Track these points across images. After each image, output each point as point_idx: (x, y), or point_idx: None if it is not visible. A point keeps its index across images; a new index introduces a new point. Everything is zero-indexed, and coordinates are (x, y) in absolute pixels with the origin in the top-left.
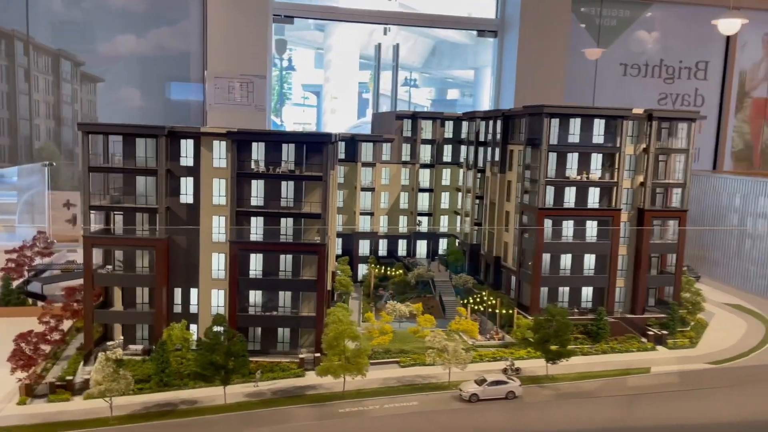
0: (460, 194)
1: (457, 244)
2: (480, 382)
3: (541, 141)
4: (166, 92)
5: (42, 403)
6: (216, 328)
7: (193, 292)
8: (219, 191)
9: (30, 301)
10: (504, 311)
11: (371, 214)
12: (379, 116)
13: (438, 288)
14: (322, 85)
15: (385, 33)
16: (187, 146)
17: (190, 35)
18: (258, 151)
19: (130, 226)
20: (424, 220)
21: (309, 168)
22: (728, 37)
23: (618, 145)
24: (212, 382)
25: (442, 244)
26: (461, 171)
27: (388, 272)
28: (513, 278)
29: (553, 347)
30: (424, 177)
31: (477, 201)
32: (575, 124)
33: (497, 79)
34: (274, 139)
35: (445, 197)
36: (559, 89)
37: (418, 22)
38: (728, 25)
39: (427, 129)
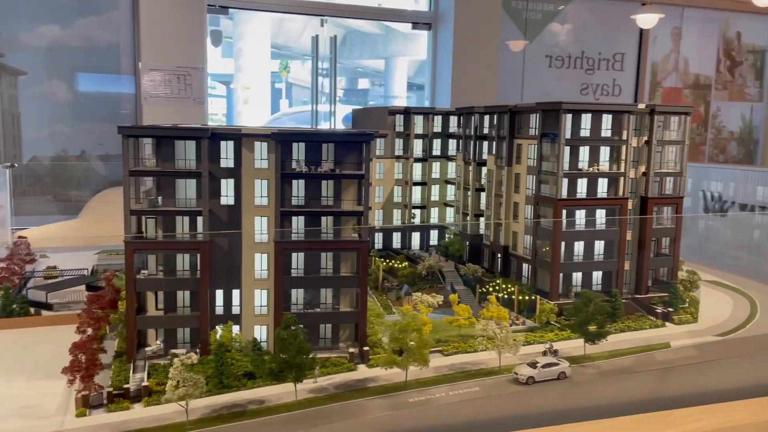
0: (449, 187)
1: (453, 235)
2: (533, 364)
3: (557, 135)
4: (94, 85)
5: (102, 414)
6: (287, 329)
7: (235, 293)
8: (261, 192)
9: (32, 310)
10: (524, 297)
11: (368, 208)
12: (364, 112)
13: (447, 278)
14: (233, 74)
15: (321, 24)
16: (227, 148)
17: (120, 25)
18: (299, 151)
19: (170, 231)
20: (417, 212)
21: (346, 166)
22: (641, 31)
23: (625, 138)
24: (285, 381)
25: (434, 236)
26: (450, 164)
27: (394, 265)
28: (525, 266)
29: (592, 328)
30: (417, 171)
31: (475, 193)
32: (586, 120)
33: (433, 70)
34: (316, 139)
35: (435, 190)
36: (493, 81)
37: (353, 13)
38: (646, 20)
39: (419, 124)
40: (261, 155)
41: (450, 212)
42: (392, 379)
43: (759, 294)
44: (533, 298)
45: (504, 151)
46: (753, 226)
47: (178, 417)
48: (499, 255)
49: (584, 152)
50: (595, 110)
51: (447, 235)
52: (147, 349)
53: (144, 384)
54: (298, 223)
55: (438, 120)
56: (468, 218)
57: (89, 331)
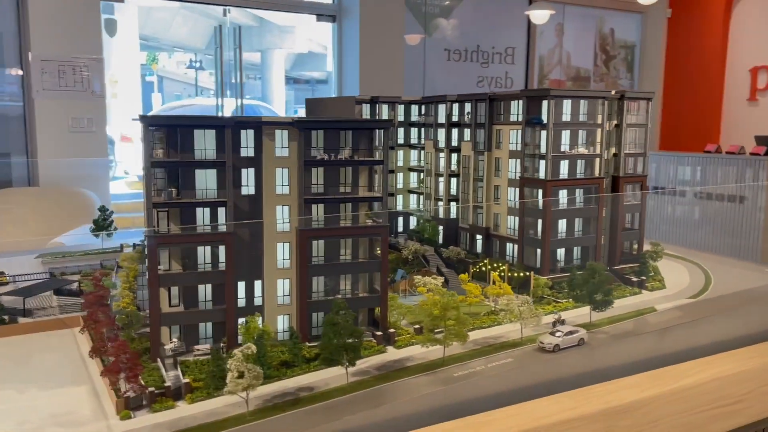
0: (412, 174)
1: (424, 221)
2: (555, 333)
3: (540, 120)
4: None
5: (148, 414)
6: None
7: (257, 283)
8: (282, 180)
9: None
10: (516, 274)
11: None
12: (320, 102)
13: (431, 262)
14: None
15: (224, 14)
16: (248, 136)
17: (2, 14)
18: (317, 138)
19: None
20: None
21: (364, 153)
22: (529, 26)
23: (600, 122)
24: (339, 365)
25: (400, 222)
26: (412, 152)
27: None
28: (509, 245)
29: (598, 297)
30: None
31: (448, 179)
32: (567, 105)
33: (339, 63)
34: (336, 126)
35: (399, 177)
36: (400, 73)
37: (256, 4)
38: (539, 16)
39: (383, 113)
40: (282, 143)
41: (413, 199)
42: (427, 357)
43: (706, 262)
44: (527, 274)
45: (483, 137)
46: (690, 204)
47: (232, 410)
48: (478, 237)
49: (565, 136)
50: (575, 96)
51: (419, 221)
52: (167, 347)
53: (185, 381)
54: (317, 210)
55: (400, 109)
56: (441, 203)
57: (109, 334)
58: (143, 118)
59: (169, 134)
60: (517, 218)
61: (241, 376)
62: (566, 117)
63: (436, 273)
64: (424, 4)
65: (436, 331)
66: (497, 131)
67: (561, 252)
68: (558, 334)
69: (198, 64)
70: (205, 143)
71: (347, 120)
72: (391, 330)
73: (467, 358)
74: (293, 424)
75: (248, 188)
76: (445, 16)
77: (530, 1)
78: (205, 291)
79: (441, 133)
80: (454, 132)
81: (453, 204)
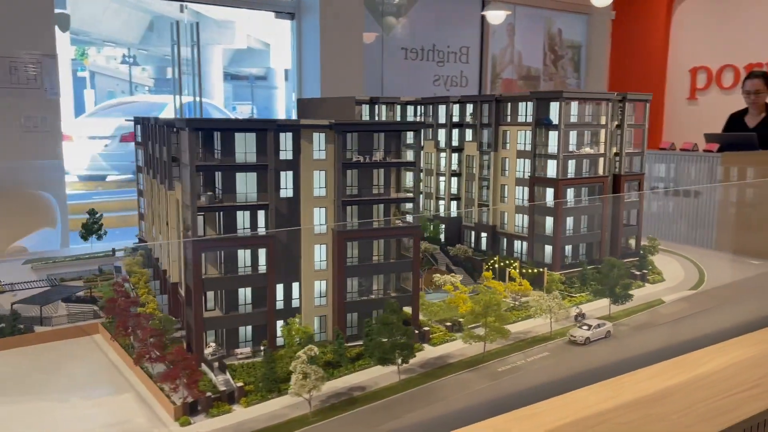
0: (409, 174)
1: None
2: (585, 326)
3: (559, 122)
4: None
5: (206, 419)
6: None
7: (294, 285)
8: (319, 183)
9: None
10: (529, 270)
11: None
12: (315, 102)
13: (439, 260)
14: None
15: (182, 10)
16: (286, 139)
17: None
18: (352, 140)
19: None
20: None
21: (396, 154)
22: (482, 26)
23: (603, 122)
24: (392, 364)
25: None
26: (409, 152)
27: None
28: (517, 242)
29: (619, 290)
30: None
31: (450, 178)
32: (575, 107)
33: (298, 61)
34: (370, 129)
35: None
36: (360, 72)
37: (213, 0)
38: (495, 16)
39: (383, 114)
40: (319, 146)
41: (421, 198)
42: (464, 353)
43: (696, 256)
44: (540, 270)
45: (489, 138)
46: (664, 200)
47: (291, 412)
48: (483, 235)
49: (573, 136)
50: (581, 98)
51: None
52: (206, 351)
53: (238, 385)
54: (352, 212)
55: (397, 109)
56: (442, 203)
57: (152, 339)
58: (189, 121)
59: (205, 138)
60: (525, 216)
61: (305, 377)
62: (573, 118)
63: (446, 270)
64: (381, 3)
65: (475, 327)
66: (503, 131)
67: (568, 248)
68: (585, 327)
69: (132, 60)
70: (245, 146)
71: (381, 122)
72: (426, 328)
73: (504, 354)
74: (357, 423)
75: (286, 191)
76: (401, 15)
77: (483, 2)
78: (245, 294)
79: (441, 134)
80: (454, 132)
81: (454, 203)
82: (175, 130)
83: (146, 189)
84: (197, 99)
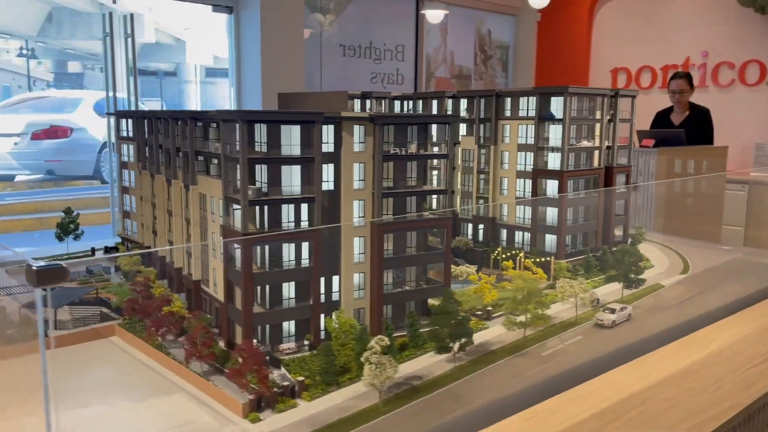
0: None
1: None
2: (609, 310)
3: (564, 116)
4: None
5: (275, 415)
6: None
7: (335, 279)
8: (359, 175)
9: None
10: (535, 260)
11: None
12: (300, 96)
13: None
14: None
15: (114, 2)
16: (328, 132)
17: None
18: (389, 133)
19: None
20: None
21: (426, 147)
22: (417, 24)
23: (599, 117)
24: (449, 352)
25: None
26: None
27: None
28: (518, 233)
29: (632, 276)
30: None
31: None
32: (574, 101)
33: (237, 56)
34: (408, 122)
35: None
36: (301, 67)
37: None
38: (434, 15)
39: (374, 108)
40: (359, 138)
41: None
42: (504, 340)
43: (674, 245)
44: (547, 259)
45: (485, 132)
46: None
47: (358, 403)
48: (481, 226)
49: (572, 130)
50: (581, 93)
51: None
52: (282, 346)
53: (299, 379)
54: (387, 204)
55: (386, 104)
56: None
57: (201, 339)
58: (242, 113)
59: (248, 130)
60: (526, 207)
61: (378, 367)
62: (574, 112)
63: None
64: None
65: (516, 313)
66: (502, 126)
67: (568, 238)
68: (609, 311)
69: (29, 53)
70: (291, 139)
71: (418, 115)
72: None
73: (541, 339)
74: (427, 410)
75: (328, 183)
76: (339, 12)
77: (417, 1)
78: (288, 289)
79: (433, 128)
80: (460, 127)
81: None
82: (214, 124)
83: (137, 186)
84: (134, 97)
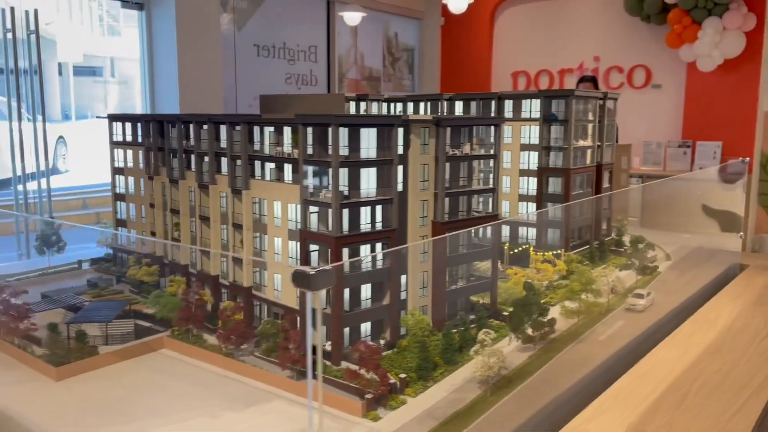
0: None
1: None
2: (639, 296)
3: (569, 117)
4: None
5: (390, 412)
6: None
7: (403, 278)
8: (424, 176)
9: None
10: (544, 254)
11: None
12: (288, 98)
13: None
14: None
15: None
16: (398, 134)
17: None
18: (446, 135)
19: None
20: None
21: (475, 147)
22: (329, 26)
23: (592, 118)
24: (532, 342)
25: None
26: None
27: None
28: (521, 229)
29: (646, 263)
30: None
31: None
32: (575, 103)
33: (149, 55)
34: (467, 124)
35: None
36: (218, 68)
37: None
38: (352, 17)
39: (371, 110)
40: (424, 140)
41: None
42: (559, 327)
43: (652, 236)
44: (558, 252)
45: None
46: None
47: (466, 395)
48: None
49: (573, 130)
50: (579, 96)
51: None
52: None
53: (402, 376)
54: (446, 203)
55: (383, 106)
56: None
57: (293, 346)
58: (335, 117)
59: (321, 133)
60: (529, 204)
61: (490, 360)
62: (575, 114)
63: None
64: None
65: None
66: (503, 127)
67: (571, 230)
68: (638, 296)
69: None
70: (368, 142)
71: (474, 117)
72: (510, 309)
73: (591, 325)
74: (526, 397)
75: (399, 185)
76: (252, 11)
77: (328, 2)
78: (366, 290)
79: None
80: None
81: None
82: (271, 127)
83: (146, 193)
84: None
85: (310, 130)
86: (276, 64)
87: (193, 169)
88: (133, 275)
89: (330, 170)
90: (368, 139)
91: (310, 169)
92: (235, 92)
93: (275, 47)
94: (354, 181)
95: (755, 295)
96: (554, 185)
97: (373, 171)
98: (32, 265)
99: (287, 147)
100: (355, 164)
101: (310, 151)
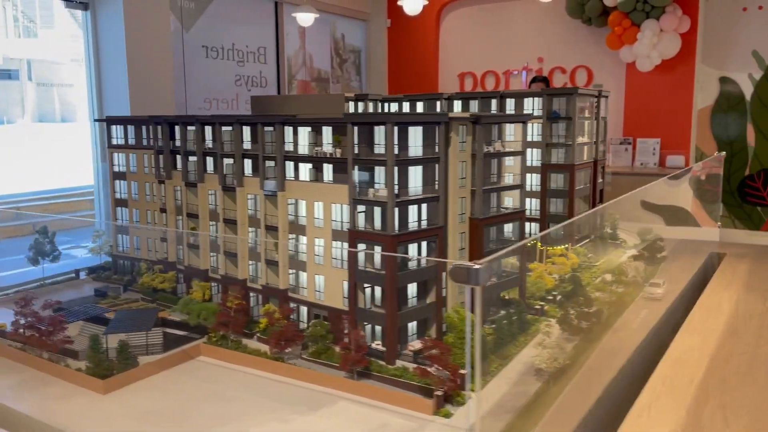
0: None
1: None
2: (656, 284)
3: (572, 115)
4: None
5: (460, 408)
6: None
7: (443, 275)
8: (461, 173)
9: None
10: (550, 248)
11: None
12: (283, 99)
13: None
14: None
15: None
16: (442, 132)
17: None
18: (482, 132)
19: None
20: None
21: (506, 145)
22: (277, 27)
23: (589, 115)
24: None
25: None
26: None
27: None
28: (527, 224)
29: (656, 253)
30: None
31: None
32: (576, 100)
33: (95, 54)
34: (501, 121)
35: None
36: (169, 69)
37: None
38: (304, 18)
39: (369, 109)
40: (462, 138)
41: None
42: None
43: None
44: (566, 247)
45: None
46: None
47: (526, 388)
48: None
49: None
50: (582, 94)
51: None
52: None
53: (462, 372)
54: (475, 200)
55: (381, 105)
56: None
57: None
58: (387, 116)
59: (368, 131)
60: (533, 199)
61: (554, 351)
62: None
63: None
64: None
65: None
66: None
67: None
68: (656, 285)
69: None
70: (416, 140)
71: (508, 115)
72: (543, 302)
73: (620, 313)
74: (582, 384)
75: (439, 182)
76: (200, 12)
77: (276, 3)
78: (411, 288)
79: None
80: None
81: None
82: (308, 126)
83: (142, 197)
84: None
85: (356, 129)
86: (225, 66)
87: (210, 171)
88: (147, 282)
89: (379, 169)
90: (415, 137)
91: (357, 168)
92: (185, 94)
93: (224, 48)
94: (403, 180)
95: (743, 280)
96: (557, 181)
97: (419, 169)
98: (24, 276)
99: (326, 147)
100: (404, 162)
101: (356, 150)
